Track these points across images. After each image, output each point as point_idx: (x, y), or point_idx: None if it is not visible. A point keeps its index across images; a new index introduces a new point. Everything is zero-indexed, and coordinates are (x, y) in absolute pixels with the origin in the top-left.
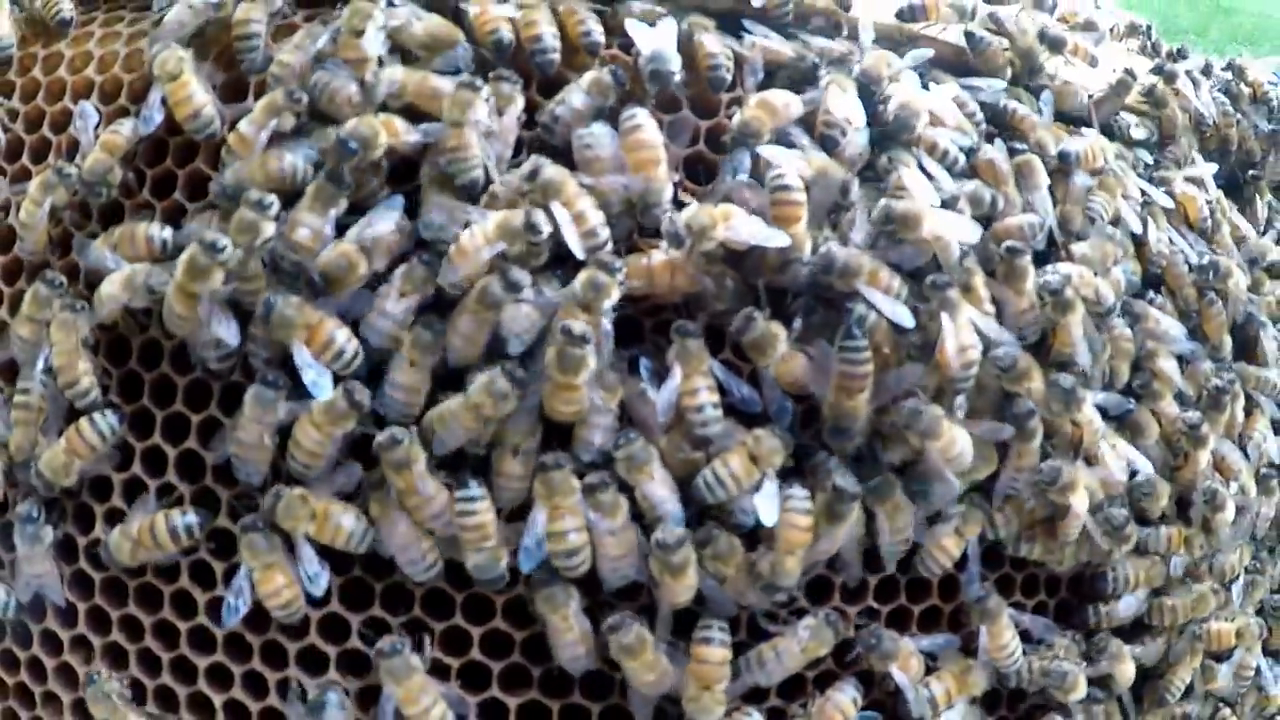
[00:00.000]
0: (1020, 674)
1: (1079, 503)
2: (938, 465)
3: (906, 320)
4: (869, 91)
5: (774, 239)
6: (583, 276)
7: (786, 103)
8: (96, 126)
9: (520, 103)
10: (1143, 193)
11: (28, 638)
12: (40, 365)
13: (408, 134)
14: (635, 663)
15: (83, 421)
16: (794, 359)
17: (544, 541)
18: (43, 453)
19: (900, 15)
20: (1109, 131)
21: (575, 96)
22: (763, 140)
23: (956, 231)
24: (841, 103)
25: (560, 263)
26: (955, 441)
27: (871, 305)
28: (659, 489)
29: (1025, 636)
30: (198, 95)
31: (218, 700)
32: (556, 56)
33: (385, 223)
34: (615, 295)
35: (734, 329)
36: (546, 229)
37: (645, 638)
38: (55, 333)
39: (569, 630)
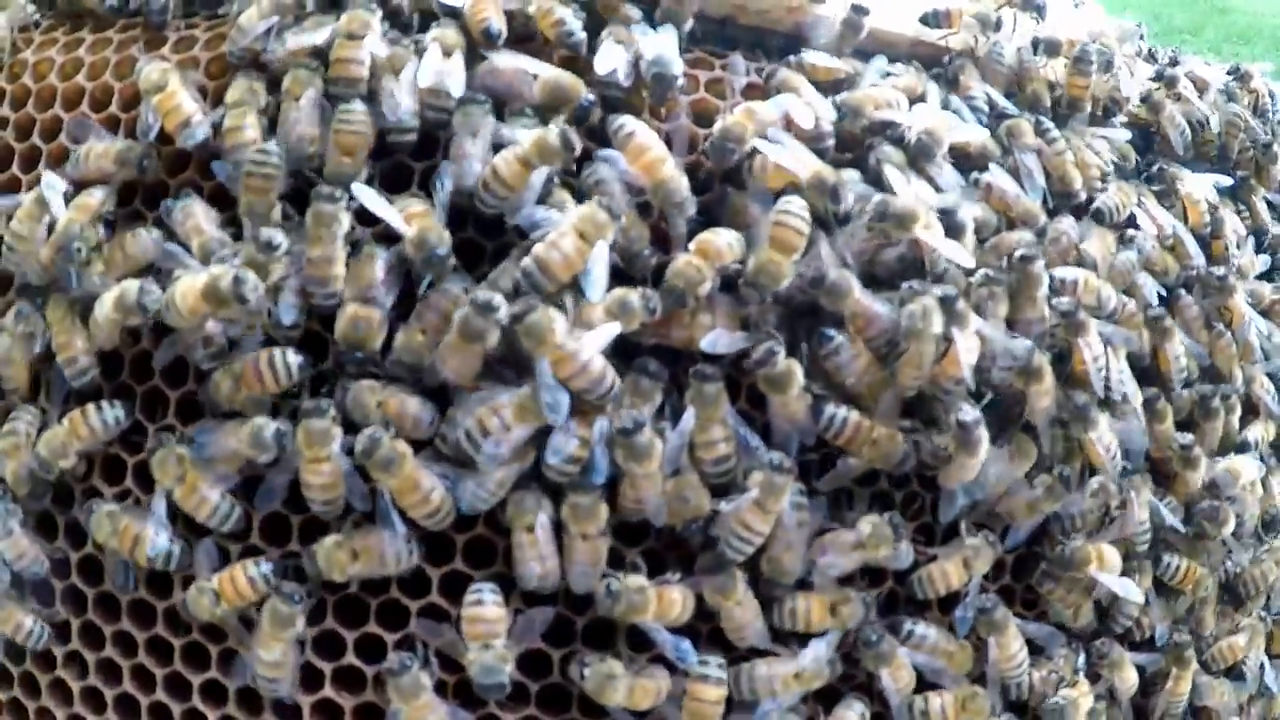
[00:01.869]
0: (1022, 686)
1: (1104, 570)
2: (958, 479)
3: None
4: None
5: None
6: (617, 292)
7: (769, 111)
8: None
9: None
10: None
11: (20, 654)
12: (39, 346)
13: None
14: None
15: (90, 407)
16: (801, 401)
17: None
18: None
19: (925, 20)
20: None
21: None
22: (745, 146)
23: (947, 248)
24: (805, 111)
25: None
26: (973, 466)
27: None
28: (649, 489)
29: (1031, 646)
30: (186, 104)
31: (213, 716)
32: (584, 36)
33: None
34: (634, 325)
35: (754, 359)
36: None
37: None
38: (52, 311)
39: (533, 544)
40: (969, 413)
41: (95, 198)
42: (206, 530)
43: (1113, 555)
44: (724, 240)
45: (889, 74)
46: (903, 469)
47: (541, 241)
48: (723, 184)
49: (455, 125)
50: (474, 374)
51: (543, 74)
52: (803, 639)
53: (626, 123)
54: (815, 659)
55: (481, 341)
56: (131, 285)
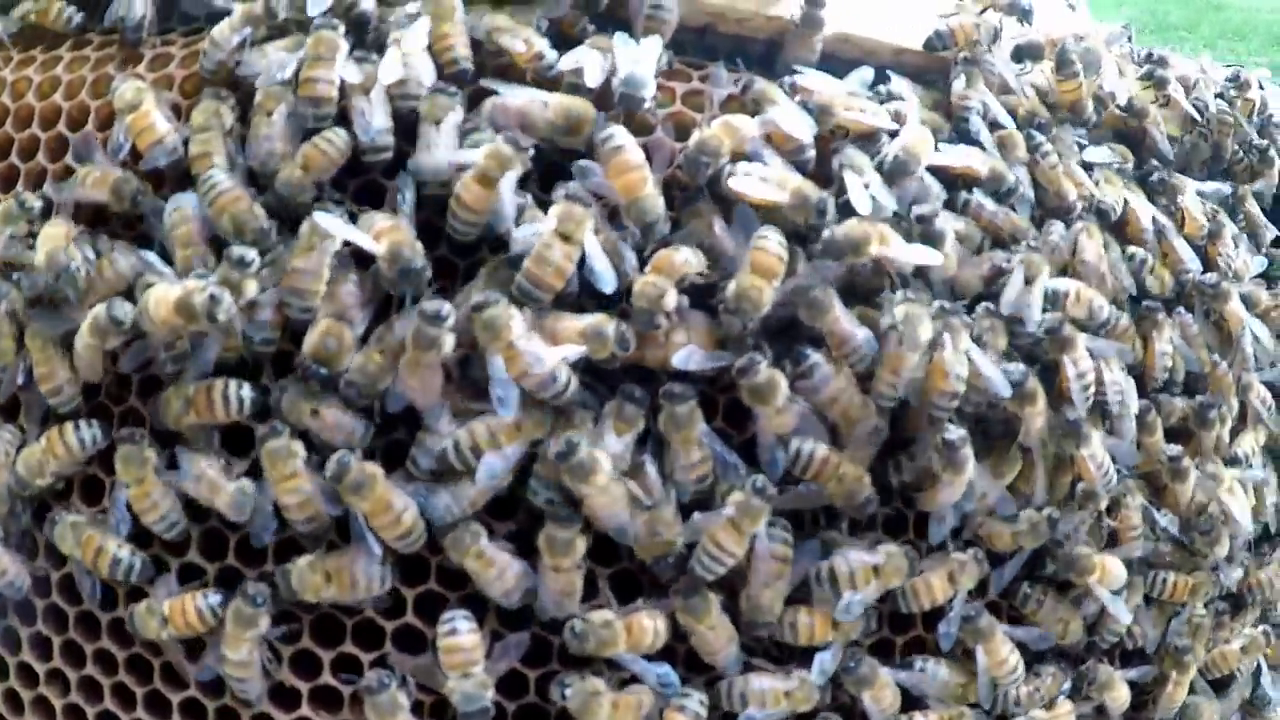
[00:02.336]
0: (1009, 699)
1: (1104, 584)
2: (945, 500)
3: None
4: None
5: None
6: (596, 318)
7: (748, 125)
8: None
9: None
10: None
11: (4, 670)
12: (20, 376)
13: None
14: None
15: (67, 425)
16: (788, 412)
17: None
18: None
19: (929, 46)
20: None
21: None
22: (720, 160)
23: (910, 255)
24: (797, 122)
25: None
26: (960, 485)
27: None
28: (608, 507)
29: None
30: (159, 124)
31: None
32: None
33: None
34: (603, 354)
35: (736, 370)
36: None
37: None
38: (31, 341)
39: (486, 567)
40: (954, 432)
41: (60, 228)
42: (181, 548)
43: (1116, 568)
44: (681, 256)
45: (889, 93)
46: (863, 513)
47: (529, 257)
48: (697, 190)
49: (421, 114)
50: (437, 392)
51: (552, 101)
52: (803, 653)
53: (615, 135)
54: (821, 672)
55: (435, 349)
56: (99, 309)
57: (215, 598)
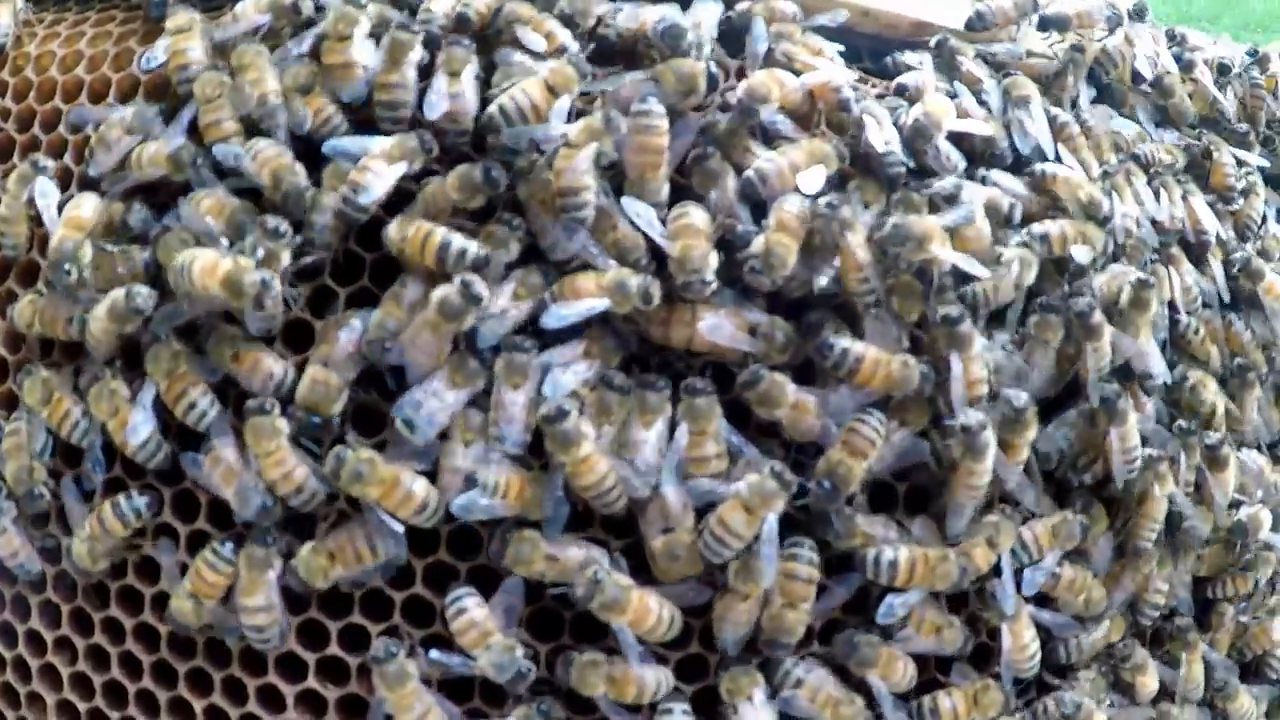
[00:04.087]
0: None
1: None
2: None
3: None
4: None
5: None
6: (620, 271)
7: (792, 79)
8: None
9: None
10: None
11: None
12: None
13: None
14: None
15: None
16: (805, 410)
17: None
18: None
19: (970, 25)
20: None
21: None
22: (770, 106)
23: (957, 259)
24: (840, 73)
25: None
26: (985, 472)
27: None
28: (589, 478)
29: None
30: (193, 52)
31: (198, 705)
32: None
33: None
34: (626, 308)
35: (740, 384)
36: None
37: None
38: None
39: (395, 489)
40: (974, 416)
41: (85, 212)
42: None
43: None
44: (702, 215)
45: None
46: (917, 393)
47: (554, 158)
48: (707, 143)
49: (437, 64)
50: (441, 357)
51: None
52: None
53: (653, 113)
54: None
55: (457, 323)
56: (118, 294)
57: (140, 500)
